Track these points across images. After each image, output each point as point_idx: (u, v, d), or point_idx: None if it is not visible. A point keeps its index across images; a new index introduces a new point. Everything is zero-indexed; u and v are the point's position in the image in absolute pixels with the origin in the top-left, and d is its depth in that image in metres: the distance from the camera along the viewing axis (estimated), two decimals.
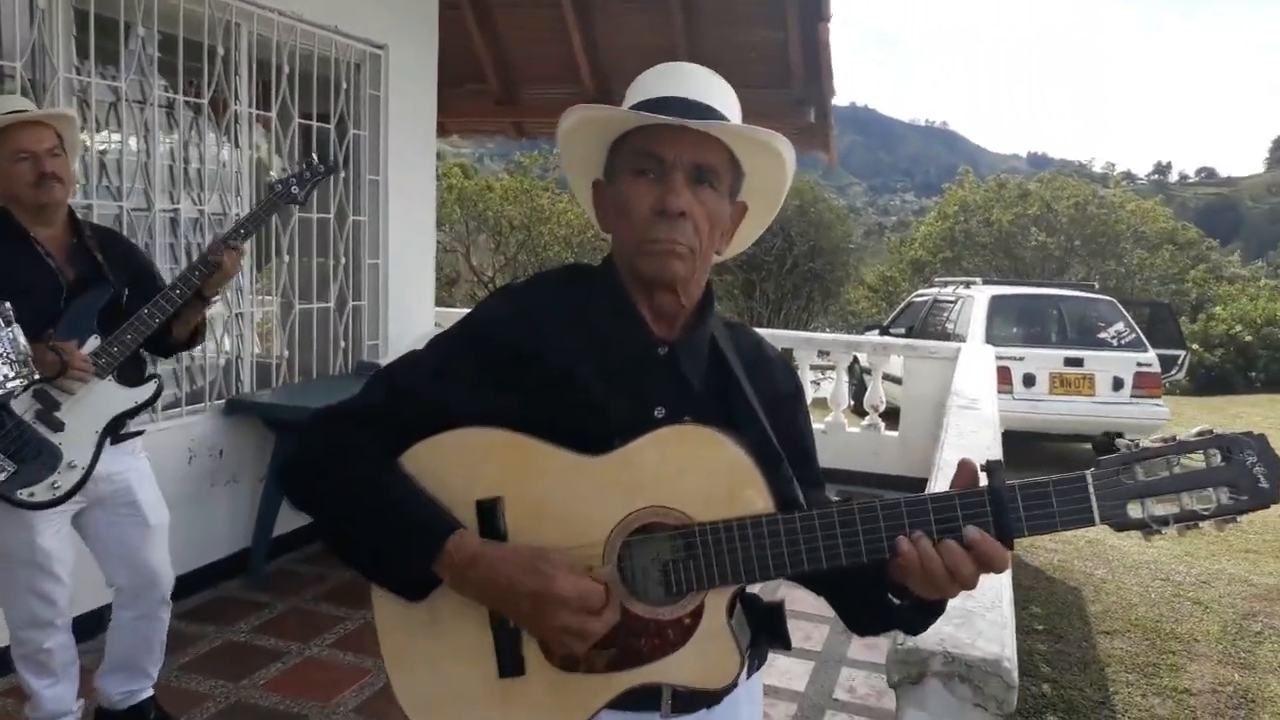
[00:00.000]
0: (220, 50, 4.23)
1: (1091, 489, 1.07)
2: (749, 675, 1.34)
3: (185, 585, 4.15)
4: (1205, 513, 1.06)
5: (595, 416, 1.20)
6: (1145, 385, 8.80)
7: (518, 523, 1.19)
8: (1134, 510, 1.07)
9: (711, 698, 1.25)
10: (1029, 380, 8.77)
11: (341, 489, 1.21)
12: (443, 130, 8.39)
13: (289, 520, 4.55)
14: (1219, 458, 1.07)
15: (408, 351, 1.32)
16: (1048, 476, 1.08)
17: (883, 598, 1.21)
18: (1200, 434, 1.07)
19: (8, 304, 2.21)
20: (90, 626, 3.17)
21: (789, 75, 6.48)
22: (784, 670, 3.74)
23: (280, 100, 4.59)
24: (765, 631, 1.32)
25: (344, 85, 5.02)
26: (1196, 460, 1.08)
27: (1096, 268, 22.33)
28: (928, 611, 1.22)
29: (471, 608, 1.19)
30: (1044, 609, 5.05)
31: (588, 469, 1.18)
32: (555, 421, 1.19)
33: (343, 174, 5.08)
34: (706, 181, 1.23)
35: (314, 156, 3.30)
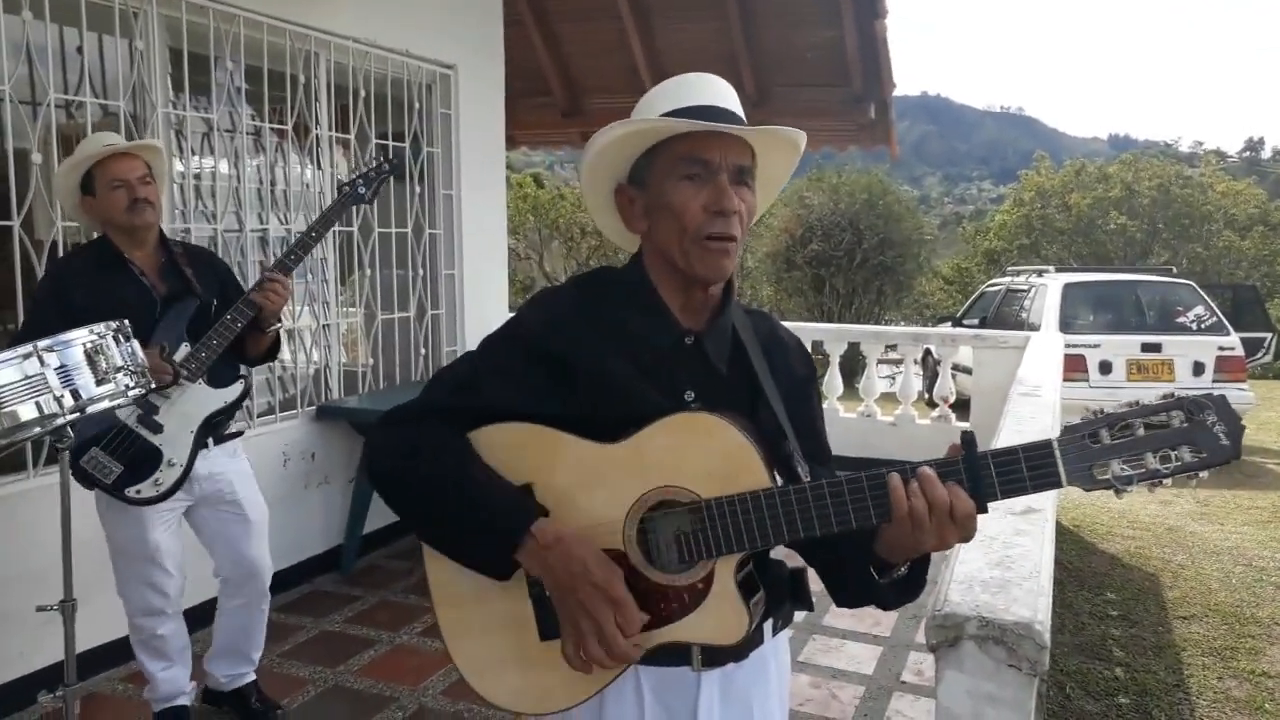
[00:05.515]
0: (301, 78, 4.51)
1: (1058, 455, 1.17)
2: (774, 634, 1.46)
3: (282, 580, 4.41)
4: (1167, 470, 1.15)
5: (633, 405, 1.33)
6: (1228, 369, 8.58)
7: (546, 504, 1.34)
8: (1100, 472, 1.17)
9: (737, 653, 1.38)
10: (1105, 367, 8.63)
11: (432, 481, 1.33)
12: (513, 142, 8.64)
13: (378, 519, 4.81)
14: (1181, 419, 1.15)
15: (462, 355, 1.47)
16: (1018, 445, 1.20)
17: (866, 570, 1.33)
18: (1163, 398, 1.16)
19: (126, 321, 2.44)
20: (202, 617, 3.43)
21: (848, 73, 6.55)
22: (853, 655, 3.83)
23: (358, 123, 4.86)
24: (789, 594, 1.45)
25: (416, 105, 5.27)
26: (1162, 423, 1.16)
27: (1182, 251, 21.57)
28: (902, 592, 1.35)
29: (513, 583, 1.35)
30: (1119, 595, 5.02)
31: (606, 456, 1.32)
32: (595, 411, 1.33)
33: (419, 189, 5.33)
34: (744, 181, 1.35)
35: (379, 157, 3.51)
